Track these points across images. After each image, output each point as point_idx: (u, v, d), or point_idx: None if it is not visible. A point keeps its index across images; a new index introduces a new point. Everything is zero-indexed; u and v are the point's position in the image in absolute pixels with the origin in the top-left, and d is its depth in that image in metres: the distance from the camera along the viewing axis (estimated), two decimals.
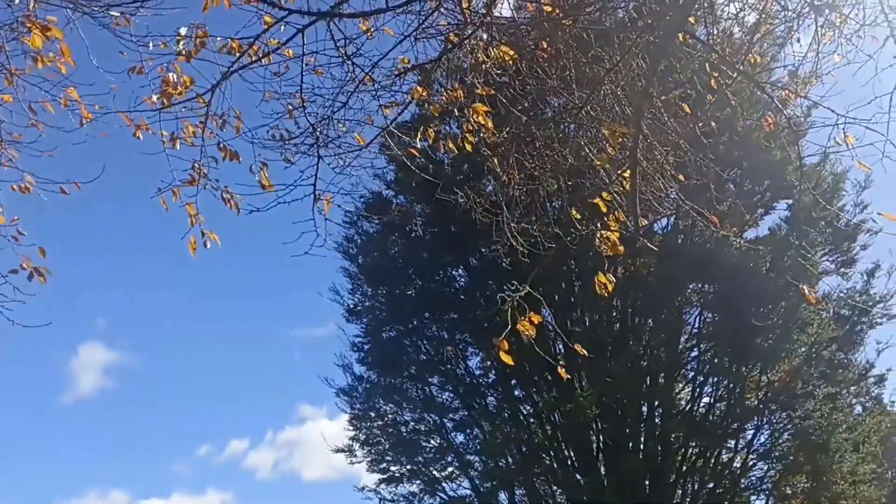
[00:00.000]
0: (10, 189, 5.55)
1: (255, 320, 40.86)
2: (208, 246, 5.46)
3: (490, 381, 16.88)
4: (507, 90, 5.91)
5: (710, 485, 15.76)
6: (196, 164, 5.35)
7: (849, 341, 15.49)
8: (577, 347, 5.93)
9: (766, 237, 14.83)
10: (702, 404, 16.06)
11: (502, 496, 16.67)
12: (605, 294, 5.35)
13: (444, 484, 16.99)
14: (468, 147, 5.69)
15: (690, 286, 15.85)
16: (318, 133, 5.30)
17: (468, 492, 16.77)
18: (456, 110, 5.67)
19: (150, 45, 4.86)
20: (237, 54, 4.89)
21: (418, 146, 5.70)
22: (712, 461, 15.83)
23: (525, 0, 6.16)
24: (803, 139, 6.85)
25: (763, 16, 5.82)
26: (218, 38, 4.96)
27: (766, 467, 15.93)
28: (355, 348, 17.43)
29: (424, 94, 5.59)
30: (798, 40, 5.77)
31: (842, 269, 15.74)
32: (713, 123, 6.81)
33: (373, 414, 17.41)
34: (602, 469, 15.73)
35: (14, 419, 34.68)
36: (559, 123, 6.27)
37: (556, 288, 15.35)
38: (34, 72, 5.19)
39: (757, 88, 6.66)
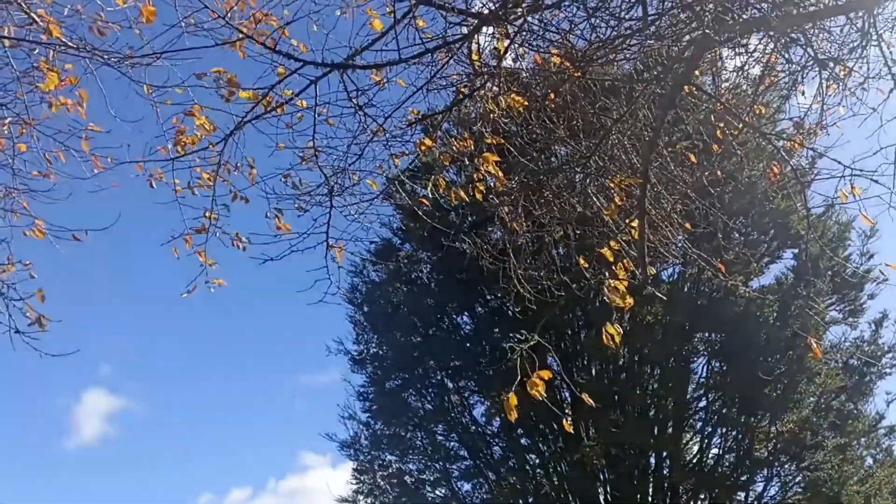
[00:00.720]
0: (23, 234, 5.60)
1: (261, 366, 40.61)
2: (213, 290, 5.50)
3: (495, 429, 16.70)
4: (515, 139, 5.99)
5: None
6: (207, 212, 5.41)
7: (858, 391, 15.28)
8: (585, 397, 5.86)
9: (772, 286, 14.78)
10: (710, 455, 15.80)
11: None
12: (613, 346, 5.31)
13: None
14: (478, 196, 5.74)
15: (697, 335, 15.74)
16: (332, 184, 5.36)
17: None
18: (466, 159, 5.73)
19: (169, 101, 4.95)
20: (251, 104, 4.96)
21: (428, 195, 5.75)
22: None
23: (533, 51, 6.26)
24: (809, 189, 6.91)
25: (767, 68, 5.91)
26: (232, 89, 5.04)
27: None
28: (360, 397, 17.29)
29: (431, 145, 5.66)
30: (803, 92, 5.87)
31: (849, 319, 15.65)
32: (719, 173, 6.86)
33: (377, 466, 17.17)
34: None
35: (17, 464, 34.30)
36: (567, 172, 6.32)
37: (562, 336, 15.29)
38: (48, 122, 5.29)
39: (762, 139, 6.73)
